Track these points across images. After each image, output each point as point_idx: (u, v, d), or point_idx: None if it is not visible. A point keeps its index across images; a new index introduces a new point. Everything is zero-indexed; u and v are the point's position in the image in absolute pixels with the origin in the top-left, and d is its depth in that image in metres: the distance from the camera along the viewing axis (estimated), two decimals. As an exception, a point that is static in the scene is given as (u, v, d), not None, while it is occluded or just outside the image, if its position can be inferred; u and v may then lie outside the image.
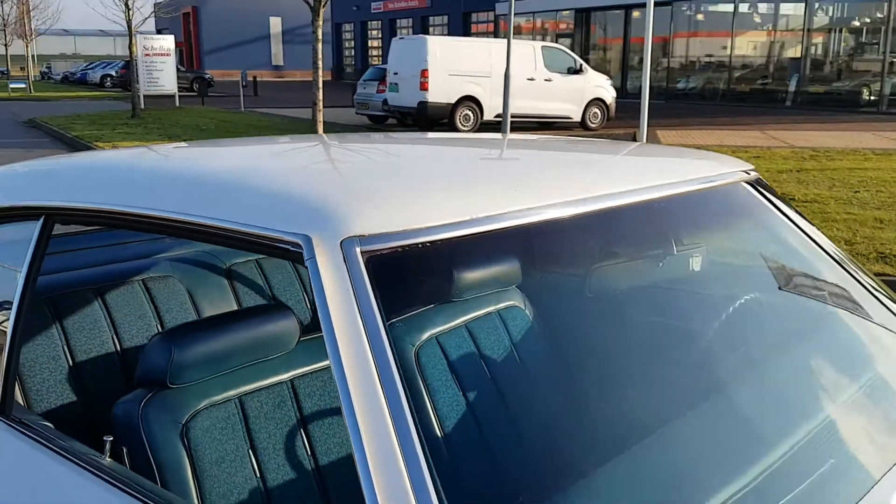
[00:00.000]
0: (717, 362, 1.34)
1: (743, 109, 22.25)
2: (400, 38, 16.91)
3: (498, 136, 2.06)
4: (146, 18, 20.79)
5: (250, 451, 1.55)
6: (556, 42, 32.11)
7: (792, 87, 23.79)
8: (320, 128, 11.33)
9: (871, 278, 1.78)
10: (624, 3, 28.11)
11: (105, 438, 1.28)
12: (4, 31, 44.80)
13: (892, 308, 1.70)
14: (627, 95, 29.35)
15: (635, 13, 28.69)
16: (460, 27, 40.84)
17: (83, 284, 2.10)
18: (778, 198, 1.80)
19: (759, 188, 1.79)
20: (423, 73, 15.32)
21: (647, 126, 16.45)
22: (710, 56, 26.44)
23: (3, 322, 1.61)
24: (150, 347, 1.42)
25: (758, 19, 25.22)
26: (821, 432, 1.16)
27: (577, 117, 17.08)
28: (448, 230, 1.09)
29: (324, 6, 10.73)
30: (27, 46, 38.63)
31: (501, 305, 2.01)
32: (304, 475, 1.61)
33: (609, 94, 17.50)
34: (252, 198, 1.12)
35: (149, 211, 1.24)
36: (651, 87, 29.21)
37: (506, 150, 1.64)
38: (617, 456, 1.13)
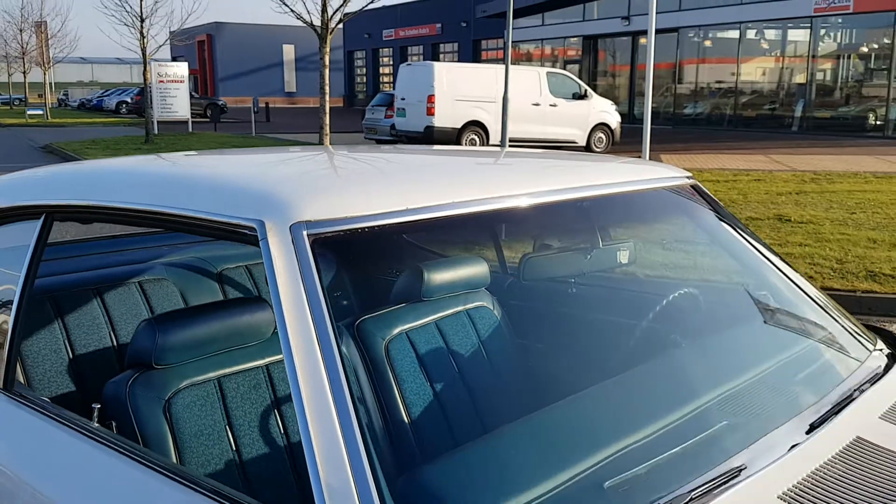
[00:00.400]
0: (635, 341, 1.49)
1: (749, 134, 22.42)
2: (408, 65, 17.23)
3: (462, 147, 2.23)
4: (160, 46, 21.25)
5: (227, 427, 1.71)
6: (565, 68, 32.48)
7: (798, 113, 23.95)
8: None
9: (799, 277, 1.93)
10: (631, 30, 28.43)
11: (93, 406, 1.46)
12: (24, 58, 45.65)
13: (815, 302, 1.85)
14: (635, 121, 29.59)
15: (642, 40, 29.00)
16: (470, 54, 41.30)
17: (84, 285, 2.29)
18: (714, 202, 1.96)
19: (697, 193, 1.96)
20: (430, 98, 15.60)
21: (653, 151, 16.65)
22: (717, 82, 26.67)
23: (3, 312, 1.80)
24: (138, 332, 1.59)
25: (764, 45, 25.45)
26: (717, 403, 1.32)
27: (582, 142, 17.30)
28: (386, 217, 1.27)
29: (331, 34, 11.01)
30: (45, 74, 39.33)
31: (470, 305, 2.18)
32: (276, 450, 1.77)
33: (614, 119, 17.72)
34: (214, 191, 1.30)
35: (130, 205, 1.42)
36: (658, 113, 29.55)
37: (457, 156, 1.81)
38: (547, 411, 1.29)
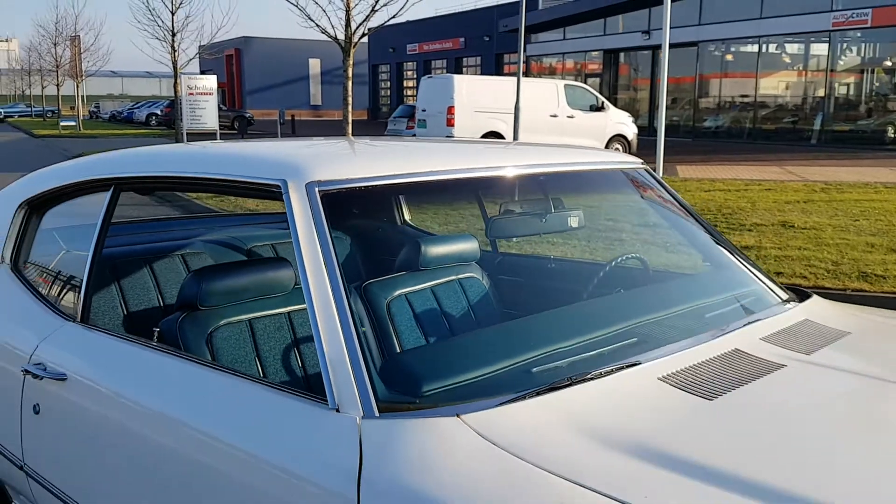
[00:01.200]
0: (581, 283, 1.86)
1: (768, 147, 22.62)
2: (429, 77, 17.70)
3: (459, 138, 2.61)
4: (191, 60, 21.91)
5: (256, 358, 2.11)
6: (586, 82, 32.82)
7: (817, 126, 24.12)
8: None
9: (729, 244, 2.30)
10: (651, 44, 28.76)
11: (153, 329, 1.86)
12: (57, 71, 46.84)
13: (742, 263, 2.22)
14: (655, 133, 29.89)
15: (659, 54, 29.34)
16: (492, 67, 41.78)
17: (137, 255, 2.72)
18: (662, 183, 2.33)
19: (648, 174, 2.33)
20: (450, 109, 16.04)
21: (670, 162, 16.95)
22: (737, 95, 26.89)
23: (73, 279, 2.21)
24: (187, 281, 2.00)
25: (783, 59, 25.66)
26: (637, 327, 1.70)
27: (600, 153, 17.66)
28: (380, 180, 1.67)
29: (354, 47, 11.48)
30: (77, 87, 40.34)
31: (462, 276, 2.57)
32: (295, 378, 2.17)
33: (630, 131, 18.05)
34: (251, 160, 1.71)
35: (184, 174, 1.84)
36: (679, 126, 29.73)
37: (449, 142, 2.20)
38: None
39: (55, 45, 45.05)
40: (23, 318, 2.10)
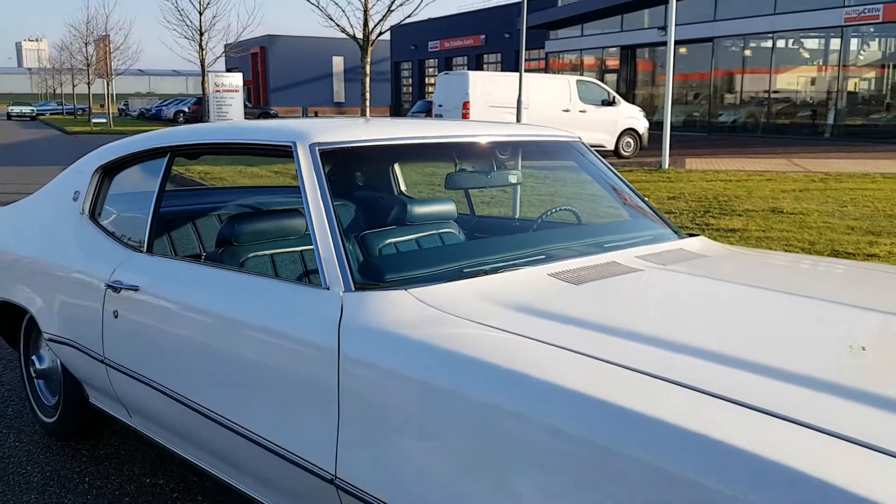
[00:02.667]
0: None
1: (782, 141, 23.02)
2: (445, 74, 18.36)
3: (443, 119, 3.28)
4: (217, 58, 22.75)
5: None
6: (603, 78, 33.31)
7: (830, 120, 24.46)
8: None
9: (643, 198, 2.94)
10: (666, 39, 29.19)
11: (201, 254, 2.55)
12: (88, 70, 48.08)
13: (650, 211, 2.87)
14: (671, 128, 30.33)
15: (682, 49, 29.78)
16: (513, 64, 42.30)
17: (185, 214, 3.42)
18: (594, 153, 2.98)
19: (582, 145, 2.98)
20: (465, 104, 16.70)
21: (680, 155, 17.44)
22: (751, 90, 27.27)
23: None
24: (226, 223, 2.67)
25: (796, 55, 26.01)
26: (552, 251, 2.37)
27: (611, 146, 18.21)
28: (366, 142, 2.35)
29: (372, 45, 12.18)
30: (107, 85, 41.44)
31: (442, 231, 3.23)
32: None
33: (641, 125, 18.58)
34: (274, 130, 2.39)
35: (222, 140, 2.53)
36: (695, 121, 29.92)
37: (432, 121, 2.85)
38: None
39: (86, 44, 46.28)
40: (102, 251, 2.80)
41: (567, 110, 17.72)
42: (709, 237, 7.30)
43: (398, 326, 1.80)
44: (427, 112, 18.57)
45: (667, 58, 14.94)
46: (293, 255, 2.89)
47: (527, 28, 35.96)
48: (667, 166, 15.03)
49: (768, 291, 2.08)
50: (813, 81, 25.45)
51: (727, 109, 28.20)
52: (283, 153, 2.31)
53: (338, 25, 12.42)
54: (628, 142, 18.44)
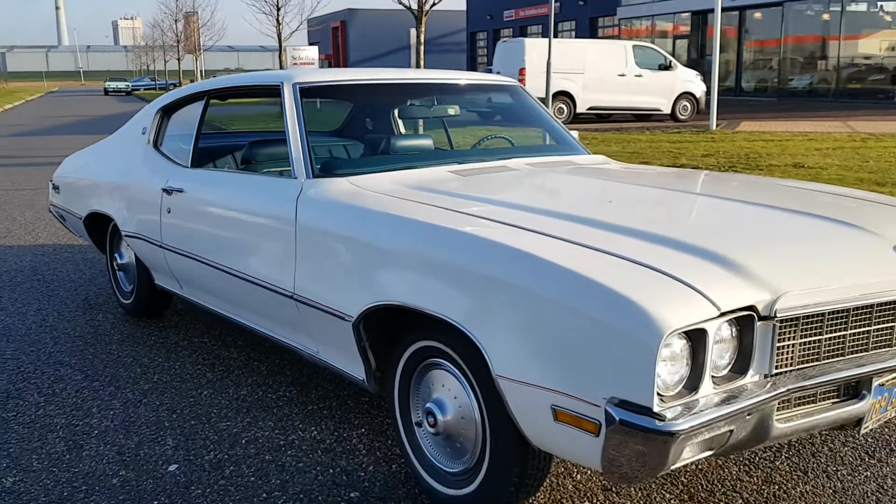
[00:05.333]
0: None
1: (850, 106, 22.83)
2: (503, 41, 19.12)
3: (408, 69, 4.21)
4: (293, 32, 24.06)
5: None
6: (675, 44, 33.27)
7: (901, 83, 24.07)
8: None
9: (571, 136, 3.81)
10: (738, 4, 29.01)
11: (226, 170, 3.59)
12: (178, 46, 50.50)
13: (574, 145, 3.75)
14: (742, 93, 30.22)
15: (756, 14, 29.55)
16: (587, 32, 42.39)
17: (219, 147, 4.47)
18: (530, 95, 3.87)
19: (521, 89, 3.87)
20: (521, 71, 17.45)
21: (735, 118, 17.77)
22: (822, 55, 26.93)
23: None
24: (247, 147, 3.69)
25: (868, 18, 25.56)
26: (491, 168, 3.29)
27: (667, 109, 18.65)
28: (334, 83, 3.33)
29: (426, 16, 13.10)
30: (195, 60, 43.53)
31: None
32: None
33: (699, 89, 18.92)
34: (269, 76, 3.39)
35: (239, 84, 3.55)
36: (766, 87, 29.51)
37: (393, 69, 3.79)
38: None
39: (175, 21, 48.67)
40: (160, 168, 3.86)
41: (623, 75, 18.24)
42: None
43: (334, 196, 2.78)
44: (487, 79, 19.40)
45: (715, 21, 15.31)
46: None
47: (598, -5, 35.88)
48: (714, 128, 15.47)
49: (606, 181, 2.97)
50: (884, 46, 24.99)
51: (798, 74, 27.93)
52: (276, 91, 3.30)
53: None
54: (685, 105, 18.82)
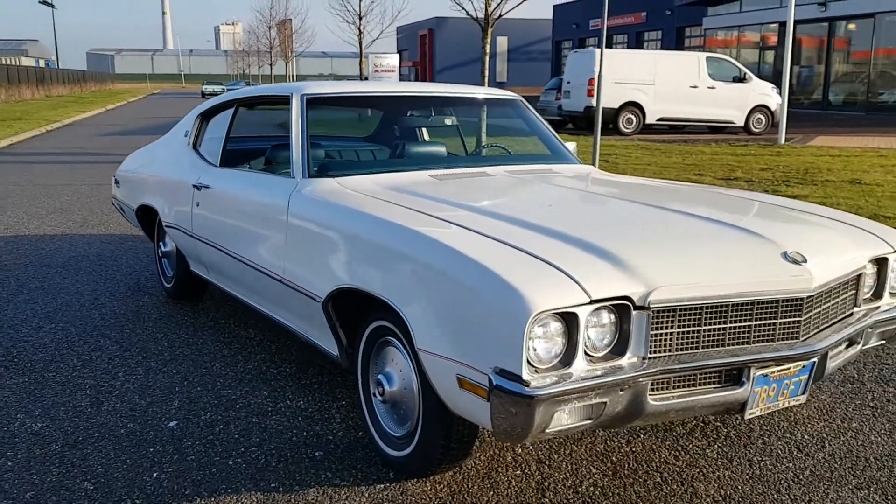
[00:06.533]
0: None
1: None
2: (574, 52, 19.29)
3: (410, 82, 4.59)
4: (374, 40, 24.76)
5: None
6: (762, 55, 32.61)
7: None
8: (483, 134, 13.95)
9: (565, 147, 4.12)
10: (827, 15, 28.28)
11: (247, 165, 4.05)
12: (270, 52, 52.34)
13: (568, 153, 4.06)
14: (829, 107, 29.39)
15: (849, 25, 28.73)
16: (673, 41, 41.91)
17: (247, 151, 4.95)
18: (531, 110, 4.19)
19: (522, 104, 4.20)
20: (590, 81, 17.60)
21: (812, 132, 17.46)
22: (916, 67, 25.98)
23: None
24: (269, 150, 4.14)
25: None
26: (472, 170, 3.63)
27: (740, 122, 18.45)
28: (342, 94, 3.74)
29: (492, 27, 13.43)
30: (286, 66, 45.00)
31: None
32: None
33: (774, 102, 18.62)
34: (282, 87, 3.82)
35: (256, 94, 4.00)
36: (854, 100, 28.70)
37: (398, 83, 4.16)
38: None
39: (269, 28, 50.48)
40: (195, 166, 4.36)
41: (695, 86, 18.16)
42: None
43: (319, 194, 3.18)
44: (558, 89, 19.59)
45: (785, 34, 15.14)
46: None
47: (688, 4, 35.49)
48: (783, 141, 15.28)
49: (558, 188, 3.28)
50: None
51: (889, 88, 27.00)
52: (287, 101, 3.73)
53: (463, 8, 13.78)
54: (759, 118, 18.58)
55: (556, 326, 2.13)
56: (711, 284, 2.28)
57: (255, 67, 66.88)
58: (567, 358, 2.16)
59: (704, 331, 2.31)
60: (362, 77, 24.68)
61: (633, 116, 18.09)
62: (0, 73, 37.01)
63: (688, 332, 2.29)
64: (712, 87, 18.26)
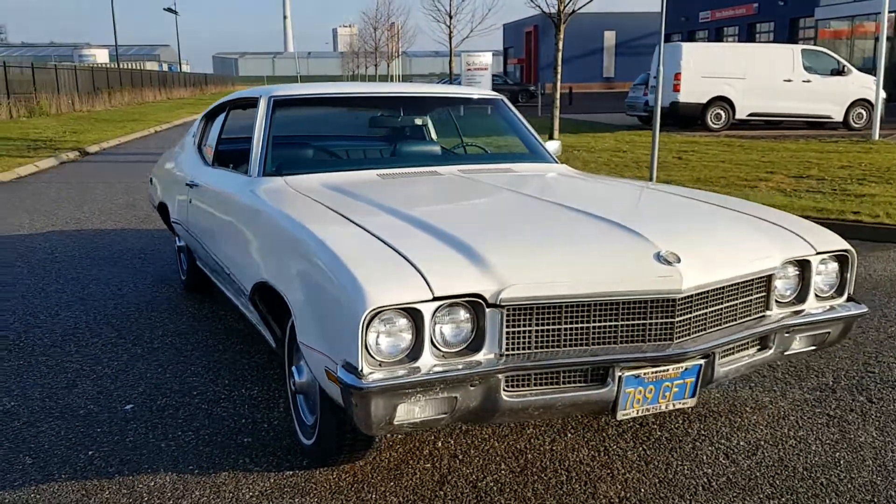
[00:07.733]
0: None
1: None
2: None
3: (388, 83, 4.66)
4: (464, 39, 24.93)
5: None
6: (875, 46, 30.73)
7: None
8: (556, 130, 13.82)
9: (543, 147, 4.10)
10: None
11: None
12: (376, 53, 53.44)
13: (548, 154, 4.05)
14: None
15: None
16: (786, 33, 40.09)
17: (237, 151, 5.15)
18: (513, 110, 4.19)
19: (504, 103, 4.21)
20: (677, 76, 17.13)
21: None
22: None
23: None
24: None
25: None
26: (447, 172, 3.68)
27: (839, 117, 17.52)
28: (309, 96, 3.87)
29: (565, 23, 13.30)
30: (388, 66, 45.79)
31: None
32: None
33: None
34: (256, 91, 3.99)
35: (241, 97, 4.19)
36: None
37: (368, 83, 4.25)
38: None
39: (374, 29, 51.56)
40: (194, 165, 4.60)
41: (789, 80, 17.37)
42: (838, 201, 7.74)
43: (264, 192, 3.32)
44: (646, 83, 19.13)
45: (882, 20, 14.28)
46: None
47: (796, -5, 33.76)
48: (876, 138, 14.42)
49: (493, 186, 3.29)
50: None
51: None
52: (257, 102, 3.90)
53: (536, 5, 13.69)
54: (860, 113, 17.58)
55: (402, 322, 2.18)
56: (569, 283, 2.27)
57: (363, 68, 68.38)
58: (415, 353, 2.20)
59: (565, 329, 2.29)
60: (452, 78, 24.88)
61: (721, 112, 17.48)
62: (125, 77, 39.87)
63: (546, 330, 2.28)
64: (808, 81, 17.41)
